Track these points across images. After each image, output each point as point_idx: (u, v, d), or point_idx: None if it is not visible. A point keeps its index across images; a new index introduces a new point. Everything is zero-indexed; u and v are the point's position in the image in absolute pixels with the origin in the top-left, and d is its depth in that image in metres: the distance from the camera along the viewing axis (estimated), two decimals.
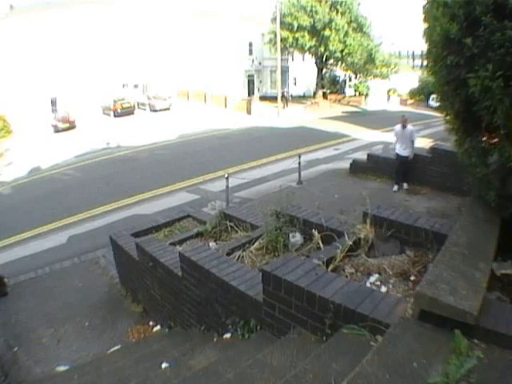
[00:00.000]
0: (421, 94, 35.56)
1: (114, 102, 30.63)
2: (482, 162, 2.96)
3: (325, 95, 37.47)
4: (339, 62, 34.74)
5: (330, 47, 30.88)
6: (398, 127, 8.33)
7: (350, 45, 31.21)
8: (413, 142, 8.21)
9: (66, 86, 32.06)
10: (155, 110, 31.81)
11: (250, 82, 39.72)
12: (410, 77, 39.73)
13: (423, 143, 13.64)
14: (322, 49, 31.66)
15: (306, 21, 30.46)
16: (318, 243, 3.87)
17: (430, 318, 2.03)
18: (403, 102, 36.81)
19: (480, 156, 2.99)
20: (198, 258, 3.57)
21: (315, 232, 3.97)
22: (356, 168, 10.18)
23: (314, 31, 31.04)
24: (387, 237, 3.60)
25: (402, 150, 8.23)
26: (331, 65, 37.32)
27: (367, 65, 33.90)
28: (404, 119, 8.26)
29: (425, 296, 2.02)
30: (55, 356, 4.70)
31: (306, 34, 31.18)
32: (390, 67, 35.51)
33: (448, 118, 3.59)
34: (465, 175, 5.34)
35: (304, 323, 2.61)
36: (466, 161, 3.33)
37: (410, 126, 8.26)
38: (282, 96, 33.79)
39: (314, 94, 37.99)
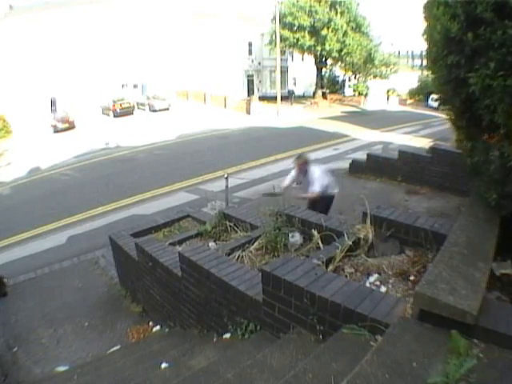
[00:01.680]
0: (420, 94, 35.60)
1: (114, 102, 30.64)
2: (482, 161, 2.96)
3: (324, 95, 37.51)
4: (338, 62, 34.81)
5: (327, 47, 30.90)
6: (293, 172, 5.81)
7: (349, 44, 31.23)
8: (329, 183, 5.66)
9: (65, 86, 32.05)
10: (154, 110, 31.82)
11: (250, 82, 39.73)
12: (410, 77, 39.80)
13: (423, 143, 13.67)
14: (320, 48, 31.69)
15: (306, 21, 30.49)
16: (318, 243, 3.86)
17: (430, 317, 2.03)
18: (402, 102, 36.87)
19: (480, 155, 2.99)
20: (197, 258, 3.57)
21: (315, 232, 3.96)
22: (355, 168, 10.19)
23: (314, 31, 31.08)
24: (387, 237, 3.60)
25: (325, 190, 5.54)
26: (331, 65, 37.37)
27: (366, 64, 33.94)
28: (300, 161, 5.58)
29: (424, 296, 2.02)
30: (55, 356, 4.70)
31: (306, 33, 31.21)
32: (389, 67, 35.57)
33: (449, 117, 3.59)
34: (464, 175, 5.34)
35: (303, 323, 2.61)
36: (467, 160, 3.33)
37: (314, 169, 5.59)
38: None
39: (314, 93, 38.04)
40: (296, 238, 4.09)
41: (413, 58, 51.59)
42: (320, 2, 30.82)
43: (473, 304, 1.91)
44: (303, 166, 5.59)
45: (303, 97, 41.02)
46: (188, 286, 3.81)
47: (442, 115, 3.82)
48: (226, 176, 8.75)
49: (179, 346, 3.64)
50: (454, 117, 3.45)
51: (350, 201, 7.53)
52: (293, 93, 37.00)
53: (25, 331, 5.32)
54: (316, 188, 5.39)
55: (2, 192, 14.24)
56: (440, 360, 1.77)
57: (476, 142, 3.11)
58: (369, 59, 33.30)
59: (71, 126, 27.54)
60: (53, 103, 33.11)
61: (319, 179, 5.45)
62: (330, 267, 3.22)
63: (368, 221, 3.75)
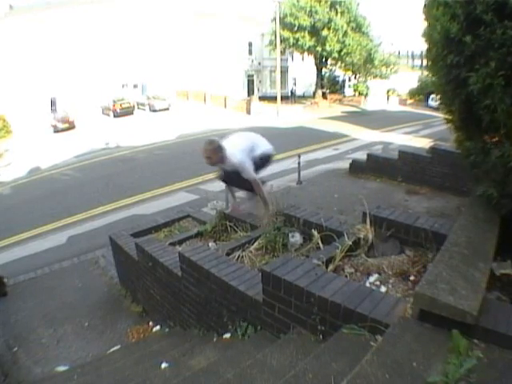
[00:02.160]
0: (420, 94, 35.57)
1: (114, 102, 30.70)
2: (482, 162, 2.96)
3: (324, 95, 37.56)
4: (338, 62, 34.87)
5: (327, 47, 30.96)
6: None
7: (349, 44, 31.28)
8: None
9: (65, 86, 32.07)
10: (155, 110, 31.86)
11: (250, 82, 39.78)
12: (410, 77, 39.75)
13: (423, 143, 13.65)
14: (320, 48, 31.76)
15: (306, 21, 30.54)
16: (318, 243, 3.86)
17: (430, 317, 2.03)
18: (402, 102, 36.83)
19: (480, 155, 2.99)
20: (197, 258, 3.57)
21: (315, 232, 3.96)
22: (356, 168, 10.17)
23: (314, 31, 31.13)
24: (387, 237, 3.60)
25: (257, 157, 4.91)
26: (331, 65, 37.44)
27: (366, 65, 34.01)
28: (210, 149, 4.45)
29: (424, 296, 2.01)
30: (55, 356, 4.69)
31: (306, 34, 31.25)
32: (389, 67, 35.63)
33: (448, 117, 3.59)
34: (464, 175, 5.34)
35: (303, 323, 2.61)
36: (466, 160, 3.32)
37: (230, 152, 4.55)
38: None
39: (314, 93, 38.10)
40: (296, 238, 4.08)
41: (413, 57, 51.54)
42: (320, 2, 30.84)
43: (473, 304, 1.91)
44: (211, 159, 4.48)
45: (303, 97, 41.05)
46: (188, 285, 3.81)
47: (442, 115, 3.81)
48: None
49: (179, 346, 3.64)
50: (454, 117, 3.45)
51: (350, 201, 7.52)
52: (293, 91, 37.37)
53: (25, 331, 5.31)
54: (250, 174, 4.58)
55: (2, 192, 14.25)
56: (440, 360, 1.77)
57: (476, 143, 3.11)
58: (369, 59, 33.33)
59: (71, 126, 27.58)
60: (53, 103, 33.13)
61: (244, 159, 4.51)
62: (330, 267, 3.22)
63: (368, 221, 3.74)
